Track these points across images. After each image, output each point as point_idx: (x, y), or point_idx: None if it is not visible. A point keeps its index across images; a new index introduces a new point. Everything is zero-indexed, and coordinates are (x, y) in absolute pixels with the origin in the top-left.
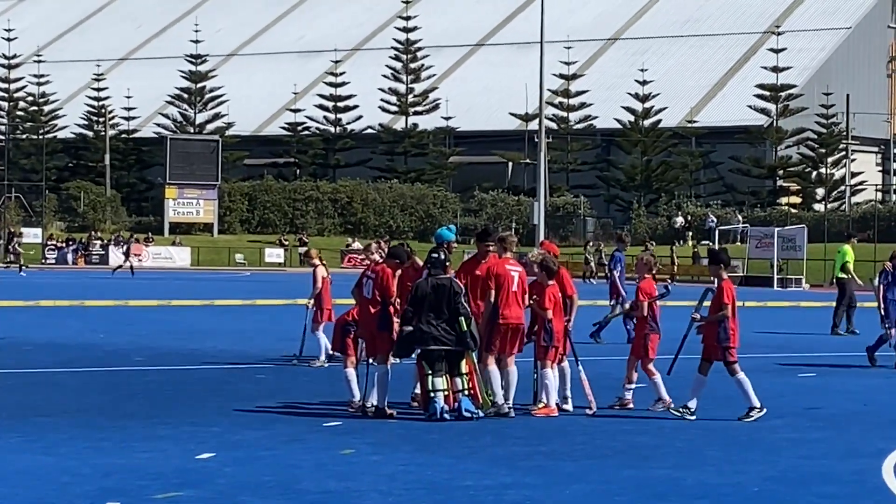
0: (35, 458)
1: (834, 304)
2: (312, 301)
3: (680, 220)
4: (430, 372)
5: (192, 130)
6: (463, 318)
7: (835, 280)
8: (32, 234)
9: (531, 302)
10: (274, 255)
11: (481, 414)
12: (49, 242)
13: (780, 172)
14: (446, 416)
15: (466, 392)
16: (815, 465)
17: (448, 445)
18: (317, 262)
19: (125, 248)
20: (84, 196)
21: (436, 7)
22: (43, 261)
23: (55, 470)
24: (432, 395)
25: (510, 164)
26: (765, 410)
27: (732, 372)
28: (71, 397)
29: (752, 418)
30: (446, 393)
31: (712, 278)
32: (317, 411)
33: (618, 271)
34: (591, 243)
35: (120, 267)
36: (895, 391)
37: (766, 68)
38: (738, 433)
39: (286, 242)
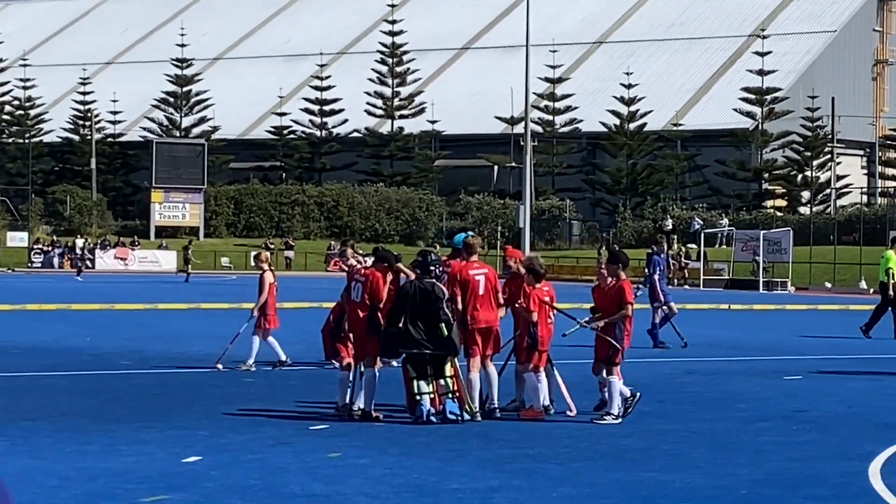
0: (21, 461)
1: (874, 307)
2: (257, 307)
3: (670, 223)
4: (415, 375)
5: (177, 134)
6: (444, 325)
7: (879, 285)
8: (18, 238)
9: (518, 305)
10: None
11: (466, 417)
12: (35, 246)
13: (766, 175)
14: (433, 419)
15: (451, 395)
16: (803, 467)
17: (435, 448)
18: (265, 266)
19: (186, 252)
20: (70, 200)
21: (421, 11)
22: (29, 264)
23: (42, 474)
24: (418, 398)
25: (496, 167)
26: (620, 421)
27: (609, 372)
28: (57, 401)
29: (605, 422)
30: (432, 396)
31: (609, 278)
32: (304, 415)
33: (657, 274)
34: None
35: (183, 271)
36: (882, 394)
37: (751, 71)
38: (726, 436)
39: (272, 246)
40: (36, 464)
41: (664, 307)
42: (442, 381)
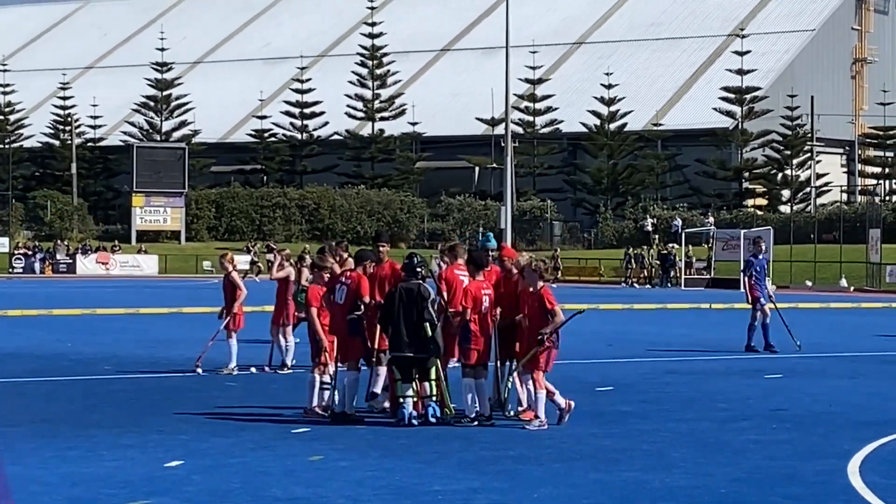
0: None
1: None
2: (226, 308)
3: (650, 222)
4: (399, 378)
5: (158, 138)
6: (427, 325)
7: None
8: None
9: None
10: (241, 262)
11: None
12: (17, 252)
13: (746, 174)
14: (414, 421)
15: (434, 399)
16: (782, 466)
17: (416, 450)
18: (230, 267)
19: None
20: (51, 205)
21: (401, 13)
22: (10, 270)
23: (22, 479)
24: (401, 400)
25: (477, 168)
26: (475, 423)
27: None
28: (38, 406)
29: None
30: (415, 399)
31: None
32: (285, 418)
33: (753, 278)
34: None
35: (248, 272)
36: (861, 392)
37: (730, 71)
38: (705, 436)
39: (254, 249)
40: (17, 470)
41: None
42: (426, 385)
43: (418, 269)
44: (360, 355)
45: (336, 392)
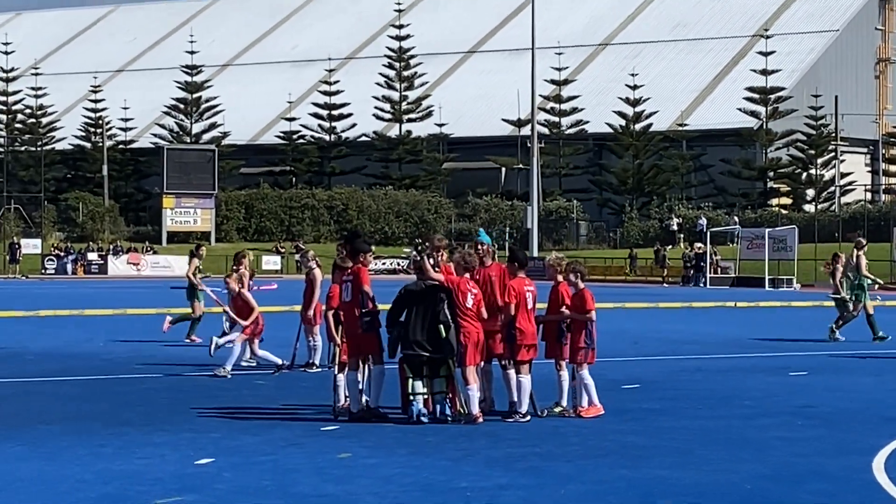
0: (36, 465)
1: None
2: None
3: (676, 222)
4: (410, 375)
5: (188, 140)
6: (442, 326)
7: None
8: (32, 245)
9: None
10: (271, 262)
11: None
12: (50, 253)
13: (771, 174)
14: (423, 418)
15: (445, 395)
16: (807, 462)
17: (444, 448)
18: (236, 287)
19: (300, 254)
20: (82, 206)
21: (428, 15)
22: (43, 271)
23: (56, 477)
24: (412, 397)
25: (503, 169)
26: (528, 419)
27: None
28: (71, 405)
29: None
30: (425, 397)
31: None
32: (314, 416)
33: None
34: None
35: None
36: (885, 389)
37: (755, 71)
38: (731, 432)
39: (283, 250)
40: (50, 467)
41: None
42: (437, 382)
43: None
44: (375, 352)
45: (342, 391)
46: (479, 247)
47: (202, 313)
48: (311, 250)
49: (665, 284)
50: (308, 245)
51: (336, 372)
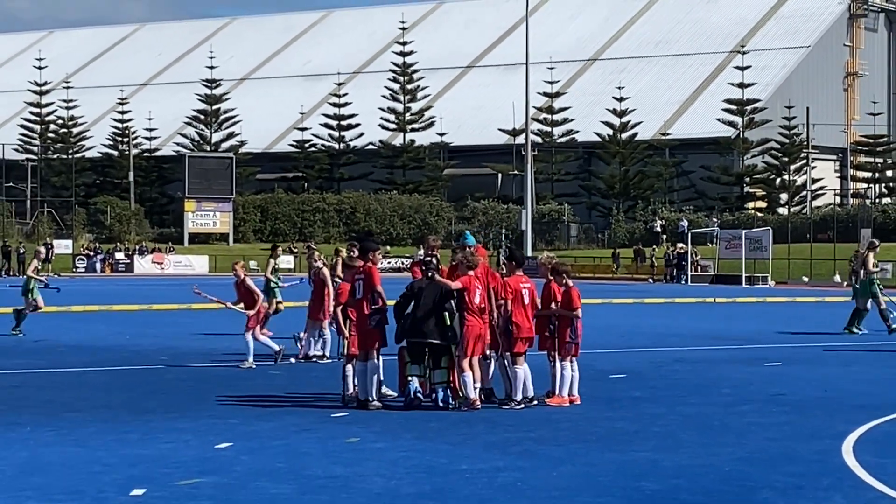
0: (67, 450)
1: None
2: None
3: (659, 224)
4: (409, 360)
5: (208, 149)
6: (447, 314)
7: None
8: (64, 246)
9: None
10: (284, 261)
11: (460, 405)
12: (80, 253)
13: (747, 179)
14: (419, 395)
15: (445, 384)
16: (781, 446)
17: (446, 433)
18: (242, 273)
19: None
20: (110, 210)
21: (430, 33)
22: (74, 270)
23: (86, 461)
24: (409, 378)
25: (500, 175)
26: (521, 407)
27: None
28: (99, 394)
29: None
30: (421, 379)
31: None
32: (325, 404)
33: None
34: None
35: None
36: (853, 379)
37: (732, 84)
38: (710, 419)
39: (295, 250)
40: (80, 452)
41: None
42: (437, 373)
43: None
44: (379, 346)
45: (350, 380)
46: (467, 249)
47: (279, 309)
48: (317, 250)
49: (651, 281)
50: (318, 246)
51: (345, 363)
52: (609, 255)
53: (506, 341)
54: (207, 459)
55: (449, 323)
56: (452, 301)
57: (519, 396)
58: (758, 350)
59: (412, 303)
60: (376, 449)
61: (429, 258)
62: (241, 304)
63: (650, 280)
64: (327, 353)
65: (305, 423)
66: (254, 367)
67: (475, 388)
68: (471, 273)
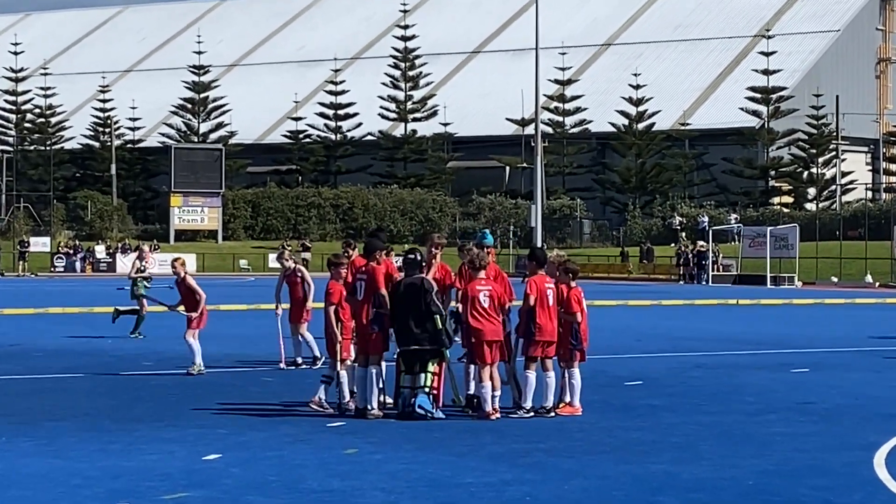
0: (45, 461)
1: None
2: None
3: (678, 220)
4: (403, 369)
5: (195, 140)
6: (437, 317)
7: None
8: (41, 244)
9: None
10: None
11: (439, 414)
12: (59, 251)
13: (772, 173)
14: (408, 409)
15: (427, 390)
16: (808, 458)
17: (449, 444)
18: (182, 271)
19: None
20: (91, 205)
21: (433, 16)
22: (52, 269)
23: (65, 473)
24: (402, 390)
25: (507, 168)
26: (531, 414)
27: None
28: (80, 402)
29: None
30: (413, 391)
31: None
32: (321, 412)
33: None
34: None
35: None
36: (885, 385)
37: (756, 71)
38: (733, 428)
39: (289, 248)
40: (60, 463)
41: None
42: (420, 377)
43: (423, 265)
44: (381, 350)
45: (345, 387)
46: (485, 249)
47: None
48: (289, 249)
49: (681, 282)
50: (314, 244)
51: (339, 369)
52: (628, 254)
53: (525, 343)
54: (195, 472)
55: (440, 326)
56: (434, 298)
57: (528, 404)
58: (783, 355)
59: (397, 306)
60: (375, 461)
61: (412, 255)
62: (182, 307)
63: (679, 280)
64: (318, 354)
65: (300, 433)
66: (203, 372)
67: (494, 398)
68: (482, 273)
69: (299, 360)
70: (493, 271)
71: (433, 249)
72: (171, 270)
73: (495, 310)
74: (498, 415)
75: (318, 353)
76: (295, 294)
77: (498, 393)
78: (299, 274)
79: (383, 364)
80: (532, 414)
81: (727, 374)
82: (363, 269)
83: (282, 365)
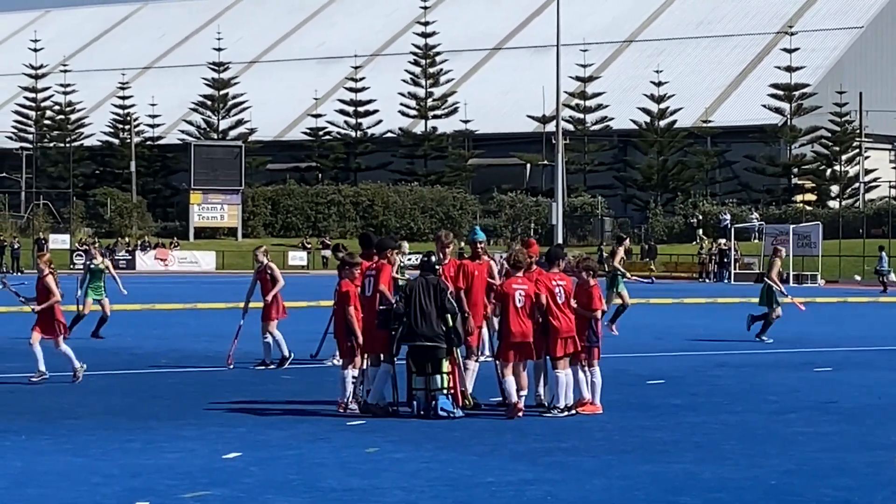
0: (65, 459)
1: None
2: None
3: (697, 218)
4: (414, 370)
5: (215, 137)
6: (449, 315)
7: None
8: (60, 241)
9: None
10: (297, 258)
11: (459, 413)
12: (78, 248)
13: (795, 170)
14: (422, 411)
15: (445, 391)
16: (831, 457)
17: (469, 443)
18: (45, 269)
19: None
20: (110, 202)
21: (453, 12)
22: (71, 266)
23: (85, 471)
24: (415, 392)
25: (528, 165)
26: (565, 414)
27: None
28: (99, 400)
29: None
30: (426, 392)
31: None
32: (340, 411)
33: None
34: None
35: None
36: None
37: (779, 68)
38: (755, 427)
39: (309, 245)
40: (79, 461)
41: None
42: (436, 378)
43: (438, 268)
44: (386, 348)
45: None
46: (479, 245)
47: None
48: (264, 245)
49: (705, 280)
50: (334, 241)
51: (342, 367)
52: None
53: (544, 343)
54: (215, 470)
55: (452, 324)
56: (450, 297)
57: (562, 403)
58: (806, 354)
59: (409, 305)
60: (395, 459)
61: (426, 258)
62: (35, 305)
63: (702, 279)
64: (286, 354)
65: (319, 432)
66: (47, 376)
67: (519, 395)
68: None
69: (268, 360)
70: (485, 267)
71: (444, 249)
72: (253, 259)
73: (529, 310)
74: (522, 413)
75: (286, 353)
76: (266, 292)
77: (524, 392)
78: (269, 272)
79: (394, 362)
80: (565, 414)
81: (749, 373)
82: (373, 266)
83: (230, 365)
